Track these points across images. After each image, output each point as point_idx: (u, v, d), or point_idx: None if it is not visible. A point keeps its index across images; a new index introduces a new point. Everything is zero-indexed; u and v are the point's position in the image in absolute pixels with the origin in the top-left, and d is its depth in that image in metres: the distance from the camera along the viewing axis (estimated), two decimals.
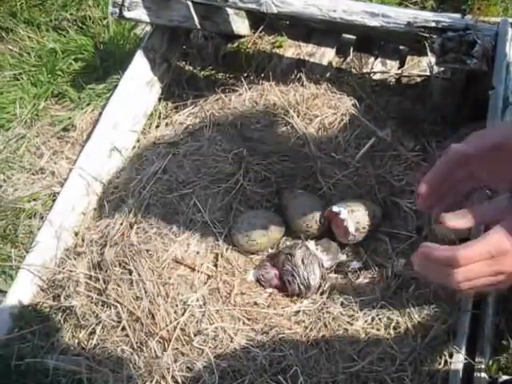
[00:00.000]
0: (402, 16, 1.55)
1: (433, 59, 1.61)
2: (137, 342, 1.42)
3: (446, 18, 1.54)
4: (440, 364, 1.34)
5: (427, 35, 1.61)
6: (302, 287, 1.47)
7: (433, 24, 1.53)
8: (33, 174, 1.83)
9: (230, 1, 1.64)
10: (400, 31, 1.57)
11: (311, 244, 1.56)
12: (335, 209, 1.49)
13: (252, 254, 1.56)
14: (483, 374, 1.32)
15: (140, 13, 1.76)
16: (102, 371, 1.42)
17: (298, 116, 1.63)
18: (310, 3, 1.58)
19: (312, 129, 1.62)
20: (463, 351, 1.33)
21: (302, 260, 1.48)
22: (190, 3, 1.79)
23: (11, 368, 1.45)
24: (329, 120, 1.63)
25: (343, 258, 1.54)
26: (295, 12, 1.60)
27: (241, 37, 1.98)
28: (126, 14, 1.74)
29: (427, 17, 1.54)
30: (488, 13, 1.95)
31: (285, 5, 1.60)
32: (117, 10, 1.74)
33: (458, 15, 1.72)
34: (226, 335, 1.40)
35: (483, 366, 1.32)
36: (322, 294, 1.47)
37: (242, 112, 1.66)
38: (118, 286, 1.48)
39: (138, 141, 1.80)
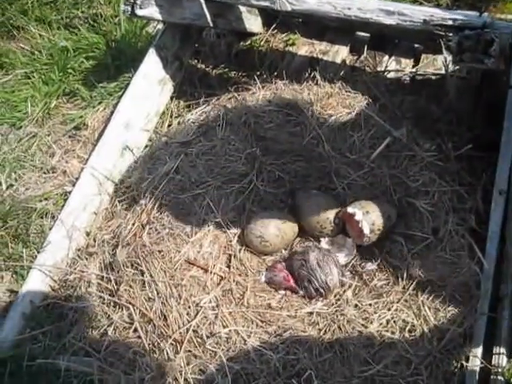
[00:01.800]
0: (418, 14, 1.53)
1: (448, 57, 1.58)
2: (149, 344, 1.41)
3: (463, 16, 1.51)
4: (456, 368, 1.33)
5: (443, 33, 1.59)
6: (321, 290, 1.46)
7: (450, 22, 1.50)
8: (44, 173, 1.82)
9: None
10: (416, 29, 1.55)
11: (324, 242, 1.54)
12: (350, 210, 1.48)
13: (265, 254, 1.54)
14: (500, 378, 1.30)
15: (152, 11, 1.74)
16: (113, 373, 1.41)
17: (312, 115, 1.61)
18: (325, 1, 1.56)
19: (326, 128, 1.60)
20: (479, 354, 1.31)
21: (318, 263, 1.47)
22: (202, 1, 1.77)
23: (23, 369, 1.44)
24: (343, 119, 1.61)
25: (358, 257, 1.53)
26: (309, 10, 1.58)
27: (253, 34, 1.97)
28: (138, 11, 1.72)
29: (444, 15, 1.51)
30: (504, 10, 1.92)
31: (299, 2, 1.57)
32: (129, 8, 1.72)
33: (474, 13, 1.70)
34: (239, 337, 1.38)
35: (500, 370, 1.31)
36: (336, 295, 1.46)
37: (255, 111, 1.64)
38: (130, 287, 1.47)
39: (150, 140, 1.79)
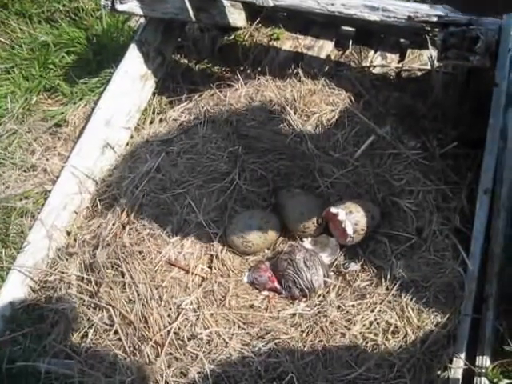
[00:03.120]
0: (402, 10, 1.51)
1: (434, 53, 1.56)
2: (130, 347, 1.39)
3: (448, 11, 1.49)
4: (440, 369, 1.31)
5: (428, 29, 1.57)
6: (305, 290, 1.44)
7: (434, 18, 1.48)
8: (24, 171, 1.79)
9: None
10: (400, 25, 1.52)
11: (308, 242, 1.52)
12: (333, 210, 1.46)
13: (248, 255, 1.52)
14: (483, 379, 1.29)
15: (133, 5, 1.71)
16: (94, 375, 1.39)
17: (295, 113, 1.59)
18: None
19: (309, 126, 1.58)
20: (463, 356, 1.30)
21: (305, 263, 1.45)
22: None
23: (2, 371, 1.43)
24: (327, 117, 1.59)
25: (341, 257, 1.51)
26: (292, 5, 1.56)
27: (237, 29, 1.94)
28: (119, 6, 1.69)
29: (428, 11, 1.49)
30: None
31: None
32: (109, 3, 1.69)
33: None
34: (221, 340, 1.37)
35: (484, 371, 1.30)
36: (319, 296, 1.44)
37: (237, 108, 1.62)
38: (111, 288, 1.45)
39: (132, 137, 1.76)
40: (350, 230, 1.43)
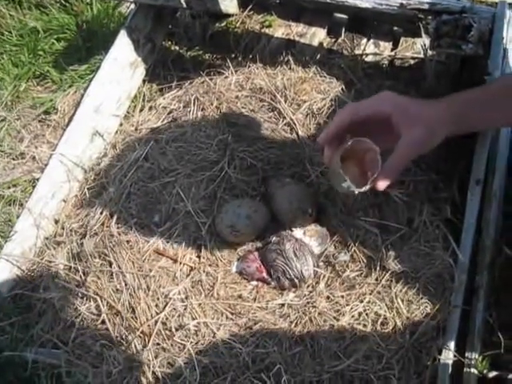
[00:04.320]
0: None
1: (427, 41, 1.54)
2: (117, 337, 1.38)
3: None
4: (428, 361, 1.30)
5: (422, 16, 1.55)
6: (295, 280, 1.43)
7: (427, 6, 1.46)
8: (13, 159, 1.77)
9: None
10: (392, 13, 1.50)
11: (298, 232, 1.51)
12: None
13: (237, 244, 1.51)
14: (473, 370, 1.29)
15: None
16: (81, 365, 1.39)
17: (286, 101, 1.57)
18: None
19: (300, 114, 1.56)
20: (452, 347, 1.29)
21: (294, 252, 1.44)
22: None
23: None
24: (317, 105, 1.57)
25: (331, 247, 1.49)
26: None
27: (229, 16, 1.91)
28: None
29: None
30: None
31: None
32: None
33: None
34: (209, 330, 1.36)
35: (473, 362, 1.29)
36: (308, 286, 1.43)
37: (227, 96, 1.60)
38: (98, 278, 1.43)
39: (121, 125, 1.74)
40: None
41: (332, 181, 1.28)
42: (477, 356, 1.29)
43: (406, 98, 1.25)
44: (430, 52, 1.59)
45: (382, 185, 1.19)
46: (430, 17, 1.50)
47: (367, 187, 1.19)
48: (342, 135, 1.22)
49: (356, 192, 1.20)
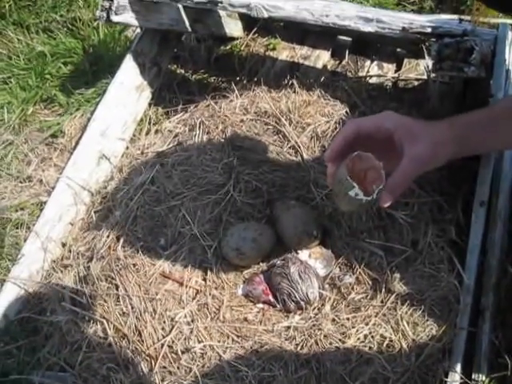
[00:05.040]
0: (396, 21, 1.49)
1: (430, 63, 1.55)
2: (123, 360, 1.38)
3: (443, 23, 1.48)
4: (435, 383, 1.30)
5: (424, 39, 1.57)
6: (301, 303, 1.43)
7: (429, 30, 1.47)
8: (20, 182, 1.79)
9: (220, 5, 1.58)
10: (395, 36, 1.52)
11: (303, 254, 1.51)
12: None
13: (242, 267, 1.51)
14: None
15: (128, 17, 1.71)
16: None
17: (290, 124, 1.58)
18: (302, 7, 1.53)
19: (304, 137, 1.57)
20: (459, 370, 1.29)
21: (299, 275, 1.44)
22: (180, 6, 1.74)
23: None
24: (322, 128, 1.58)
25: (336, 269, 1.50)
26: (287, 17, 1.55)
27: (234, 39, 1.94)
28: (114, 18, 1.68)
29: (423, 22, 1.48)
30: (488, 13, 1.89)
31: (276, 9, 1.54)
32: (104, 14, 1.69)
33: (456, 17, 1.67)
34: (215, 353, 1.36)
35: None
36: (313, 309, 1.43)
37: (232, 120, 1.61)
38: (105, 301, 1.44)
39: (127, 148, 1.75)
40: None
41: (337, 197, 1.24)
42: (483, 378, 1.29)
43: (408, 118, 1.26)
44: (433, 74, 1.60)
45: (385, 200, 1.17)
46: (432, 39, 1.51)
47: (374, 195, 1.19)
48: (347, 152, 1.20)
49: (364, 201, 1.15)
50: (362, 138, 1.21)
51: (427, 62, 1.64)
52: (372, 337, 1.35)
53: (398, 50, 1.81)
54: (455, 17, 1.76)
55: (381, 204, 1.17)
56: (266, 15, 1.55)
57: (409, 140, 1.20)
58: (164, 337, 1.38)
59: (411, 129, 1.21)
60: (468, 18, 1.84)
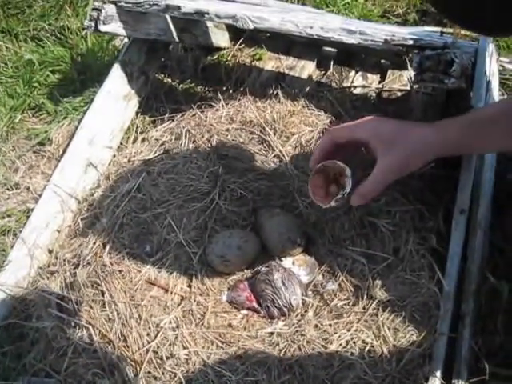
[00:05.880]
0: (379, 34, 1.53)
1: (413, 74, 1.58)
2: (109, 365, 1.39)
3: (425, 35, 1.51)
4: None
5: (406, 51, 1.60)
6: (284, 309, 1.45)
7: (411, 42, 1.50)
8: (7, 189, 1.80)
9: (207, 16, 1.61)
10: (378, 48, 1.55)
11: (287, 261, 1.53)
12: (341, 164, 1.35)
13: (227, 274, 1.53)
14: None
15: (116, 26, 1.73)
16: None
17: (275, 134, 1.61)
18: (287, 19, 1.56)
19: (289, 147, 1.60)
20: (439, 375, 1.31)
21: (283, 282, 1.46)
22: (168, 16, 1.76)
23: None
24: (306, 138, 1.60)
25: (319, 276, 1.52)
26: (272, 28, 1.58)
27: (221, 49, 1.96)
28: (102, 27, 1.70)
29: (405, 35, 1.51)
30: None
31: (261, 21, 1.57)
32: (92, 24, 1.70)
33: (438, 29, 1.70)
34: (199, 359, 1.37)
35: None
36: (296, 315, 1.45)
37: (218, 129, 1.63)
38: (91, 307, 1.45)
39: (115, 156, 1.77)
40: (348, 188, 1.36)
41: None
42: (463, 383, 1.31)
43: (387, 124, 1.31)
44: (415, 85, 1.63)
45: (354, 202, 1.35)
46: (414, 51, 1.54)
47: (333, 203, 1.37)
48: (331, 158, 1.33)
49: (323, 207, 1.40)
50: (341, 145, 1.28)
51: (410, 74, 1.67)
52: (354, 342, 1.37)
53: (382, 61, 1.84)
54: (438, 29, 1.80)
55: (351, 204, 1.35)
56: (251, 26, 1.58)
57: (382, 149, 1.26)
58: (149, 342, 1.39)
59: (387, 137, 1.27)
60: (451, 30, 1.88)
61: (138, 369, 1.37)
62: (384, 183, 1.31)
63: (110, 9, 1.71)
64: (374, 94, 1.81)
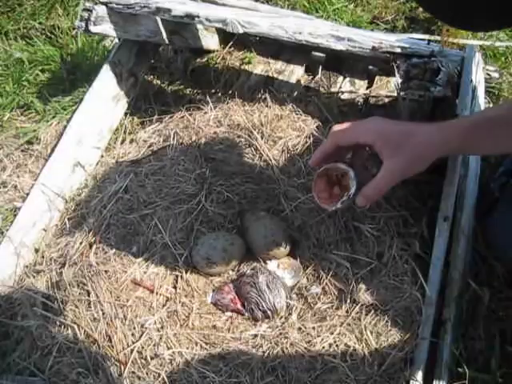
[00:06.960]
0: (367, 41, 1.55)
1: (399, 81, 1.60)
2: (93, 365, 1.40)
3: (412, 43, 1.53)
4: None
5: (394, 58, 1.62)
6: (268, 312, 1.46)
7: (398, 50, 1.52)
8: None
9: (197, 19, 1.62)
10: (366, 55, 1.57)
11: (272, 264, 1.55)
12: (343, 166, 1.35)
13: (212, 275, 1.54)
14: None
15: (106, 27, 1.73)
16: None
17: (262, 137, 1.62)
18: (277, 25, 1.57)
19: (276, 151, 1.61)
20: (420, 378, 1.33)
21: (267, 285, 1.47)
22: (158, 18, 1.77)
23: None
24: (293, 142, 1.62)
25: (304, 280, 1.53)
26: (261, 33, 1.59)
27: (210, 52, 1.97)
28: (92, 28, 1.70)
29: (392, 42, 1.53)
30: (457, 34, 1.96)
31: (251, 25, 1.58)
32: (83, 24, 1.71)
33: (426, 37, 1.72)
34: (183, 359, 1.39)
35: None
36: (280, 318, 1.47)
37: (205, 132, 1.65)
38: (76, 306, 1.46)
39: (102, 157, 1.78)
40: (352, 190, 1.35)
41: None
42: None
43: (392, 125, 1.32)
44: (402, 92, 1.65)
45: (360, 203, 1.33)
46: (401, 59, 1.55)
47: (338, 205, 1.35)
48: (332, 159, 1.35)
49: (329, 210, 1.39)
50: (345, 148, 1.34)
51: (397, 80, 1.69)
52: (336, 345, 1.38)
53: (370, 67, 1.86)
54: (426, 36, 1.82)
55: (356, 204, 1.34)
56: (241, 31, 1.59)
57: (387, 151, 1.27)
58: (134, 343, 1.40)
59: (392, 140, 1.28)
60: (438, 38, 1.90)
61: (123, 368, 1.38)
62: (389, 185, 1.32)
63: (101, 10, 1.71)
64: (361, 100, 1.82)
